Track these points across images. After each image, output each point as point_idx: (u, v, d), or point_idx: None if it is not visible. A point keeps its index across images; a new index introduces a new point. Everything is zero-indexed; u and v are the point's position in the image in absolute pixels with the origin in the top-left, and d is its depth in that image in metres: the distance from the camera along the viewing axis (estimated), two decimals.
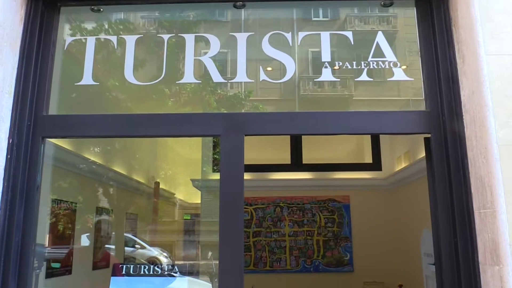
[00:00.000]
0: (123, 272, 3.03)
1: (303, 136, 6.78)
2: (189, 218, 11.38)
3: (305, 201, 6.79)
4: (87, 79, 2.37)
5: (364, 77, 2.22)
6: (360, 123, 2.12)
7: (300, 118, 2.13)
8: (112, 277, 2.98)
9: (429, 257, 3.85)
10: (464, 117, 2.01)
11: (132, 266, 3.08)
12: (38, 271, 3.70)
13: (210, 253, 6.70)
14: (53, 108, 2.37)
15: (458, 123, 2.03)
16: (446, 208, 2.03)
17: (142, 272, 3.06)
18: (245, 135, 2.08)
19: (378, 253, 6.49)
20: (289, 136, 6.82)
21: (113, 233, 6.19)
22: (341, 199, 6.78)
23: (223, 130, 2.10)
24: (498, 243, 1.76)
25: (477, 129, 1.91)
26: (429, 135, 2.14)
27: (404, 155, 6.12)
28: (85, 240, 5.25)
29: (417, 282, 4.58)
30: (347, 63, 2.22)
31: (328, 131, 2.13)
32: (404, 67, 2.27)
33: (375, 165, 6.72)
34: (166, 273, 3.15)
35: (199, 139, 7.04)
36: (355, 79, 2.21)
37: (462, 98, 2.03)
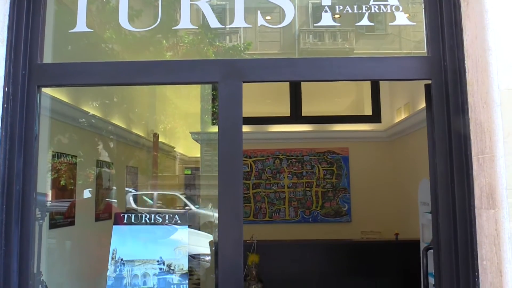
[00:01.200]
0: (125, 221, 3.08)
1: (302, 88, 6.75)
2: (189, 173, 11.50)
3: (304, 153, 6.83)
4: (80, 25, 2.31)
5: (365, 21, 2.16)
6: (361, 69, 2.08)
7: (299, 65, 2.09)
8: (114, 226, 3.03)
9: (425, 206, 3.91)
10: (466, 62, 1.97)
11: (133, 215, 3.12)
12: (41, 221, 3.75)
13: (210, 204, 6.82)
14: (48, 57, 2.32)
15: (460, 68, 2.00)
16: (444, 154, 2.04)
17: (143, 221, 3.11)
18: (243, 82, 2.05)
19: (375, 203, 6.60)
20: (288, 88, 6.79)
21: (115, 187, 6.26)
22: (340, 151, 6.82)
23: (221, 77, 2.07)
24: (495, 187, 1.77)
25: (479, 74, 1.89)
26: (429, 82, 2.11)
27: (404, 107, 6.09)
28: (86, 192, 5.32)
29: (413, 230, 4.68)
30: (347, 7, 2.16)
31: (328, 77, 2.10)
32: (407, 14, 2.21)
33: (375, 117, 6.72)
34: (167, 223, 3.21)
35: (198, 91, 7.00)
36: (356, 24, 2.15)
37: (465, 42, 1.99)
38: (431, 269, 3.47)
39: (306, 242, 5.04)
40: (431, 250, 3.17)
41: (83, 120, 5.31)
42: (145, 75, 2.14)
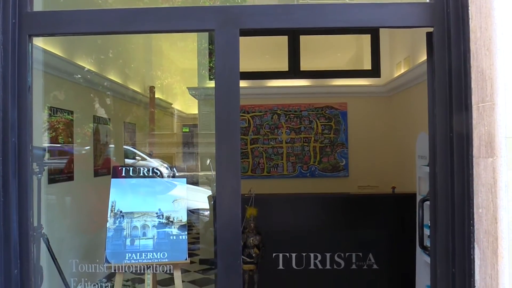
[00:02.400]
0: (123, 174, 3.09)
1: (301, 43, 6.63)
2: (187, 131, 11.49)
3: (303, 108, 6.80)
4: None
5: None
6: (361, 16, 2.02)
7: (297, 11, 2.03)
8: (112, 179, 3.05)
9: (423, 159, 3.92)
10: (469, 8, 1.91)
11: (131, 168, 3.13)
12: (39, 175, 3.77)
13: (208, 160, 6.85)
14: (38, 5, 2.25)
15: (463, 14, 1.94)
16: (444, 104, 2.01)
17: (141, 174, 3.13)
18: (240, 29, 2.00)
19: (373, 158, 6.64)
20: (286, 43, 6.66)
21: (113, 145, 6.26)
22: (338, 106, 6.78)
23: (217, 25, 2.01)
24: (494, 136, 1.76)
25: (482, 19, 1.83)
26: (431, 29, 2.06)
27: (404, 61, 6.01)
28: (84, 148, 5.32)
29: (410, 184, 4.72)
30: None
31: (327, 24, 2.03)
32: None
33: (374, 71, 6.64)
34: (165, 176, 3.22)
35: (194, 46, 6.88)
36: None
37: None
38: (426, 220, 3.52)
39: (304, 196, 5.10)
40: (427, 202, 3.21)
41: (79, 75, 5.24)
42: (139, 23, 2.08)
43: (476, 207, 1.88)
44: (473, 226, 1.90)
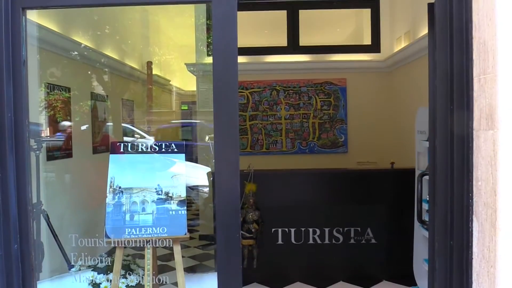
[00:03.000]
0: (121, 150, 3.08)
1: (300, 18, 6.54)
2: (186, 108, 11.41)
3: (302, 84, 6.75)
4: None
5: None
6: None
7: None
8: (110, 155, 3.04)
9: (422, 134, 3.91)
10: None
11: (129, 144, 3.12)
12: (38, 152, 3.76)
13: (207, 137, 6.84)
14: None
15: None
16: (444, 76, 1.99)
17: (140, 150, 3.11)
18: (238, 1, 1.95)
19: (372, 134, 6.63)
20: (285, 18, 6.57)
21: (111, 123, 6.23)
22: (337, 82, 6.74)
23: None
24: (495, 108, 1.74)
25: None
26: (433, 0, 2.02)
27: (405, 35, 5.93)
28: (82, 125, 5.30)
29: (409, 160, 4.73)
30: None
31: None
32: None
33: (374, 46, 6.57)
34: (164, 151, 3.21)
35: (192, 21, 6.78)
36: None
37: None
38: (425, 195, 3.54)
39: (303, 172, 5.10)
40: (426, 177, 3.21)
41: (75, 52, 5.17)
42: None
43: (476, 180, 1.87)
44: (472, 199, 1.89)
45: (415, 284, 4.21)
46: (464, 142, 1.93)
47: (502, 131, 1.73)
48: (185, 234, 2.81)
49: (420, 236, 3.97)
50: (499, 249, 1.75)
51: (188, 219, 7.18)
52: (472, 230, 1.90)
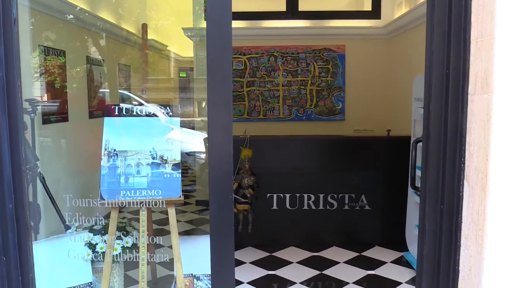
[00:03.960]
0: (116, 113, 3.06)
1: None
2: (185, 75, 11.29)
3: (300, 50, 6.67)
4: None
5: None
6: None
7: None
8: (105, 118, 3.02)
9: (419, 102, 3.90)
10: None
11: (124, 107, 3.10)
12: (32, 115, 3.75)
13: (204, 103, 6.81)
14: None
15: None
16: (442, 39, 1.96)
17: (134, 113, 3.10)
18: None
19: (370, 102, 6.61)
20: None
21: (107, 88, 6.18)
22: (336, 48, 6.66)
23: None
24: (491, 72, 1.72)
25: None
26: None
27: (406, 1, 5.83)
28: (78, 88, 5.25)
29: (406, 127, 4.73)
30: None
31: None
32: None
33: (374, 12, 6.46)
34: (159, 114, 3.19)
35: None
36: None
37: None
38: (419, 162, 3.55)
39: (299, 138, 5.11)
40: (420, 144, 3.22)
41: (71, 15, 5.07)
42: None
43: (468, 145, 1.87)
44: (464, 164, 1.90)
45: (407, 250, 4.29)
46: (459, 107, 1.92)
47: (496, 95, 1.72)
48: (180, 196, 2.82)
49: (413, 203, 4.01)
50: (488, 213, 1.77)
51: (184, 185, 7.26)
52: (462, 195, 1.92)
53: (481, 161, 1.78)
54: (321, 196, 4.64)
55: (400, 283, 3.83)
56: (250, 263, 4.29)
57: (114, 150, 2.89)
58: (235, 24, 6.52)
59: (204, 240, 2.22)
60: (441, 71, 1.97)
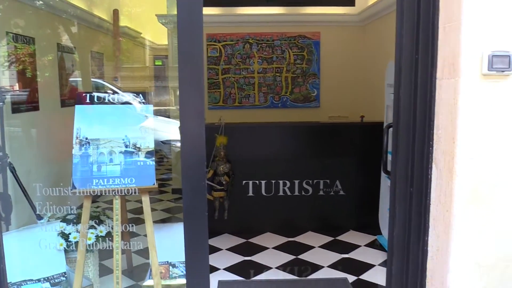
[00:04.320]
0: (87, 101, 3.01)
1: None
2: (160, 64, 11.13)
3: (275, 37, 6.65)
4: None
5: None
6: None
7: None
8: (76, 106, 2.96)
9: (391, 88, 3.94)
10: None
11: (96, 94, 3.04)
12: (1, 103, 3.64)
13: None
14: None
15: None
16: (411, 25, 1.99)
17: (106, 100, 3.05)
18: None
19: (344, 89, 6.66)
20: None
21: (80, 76, 6.05)
22: (311, 35, 6.66)
23: None
24: (457, 56, 1.76)
25: None
26: None
27: None
28: (49, 77, 5.13)
29: (379, 114, 4.79)
30: None
31: None
32: None
33: None
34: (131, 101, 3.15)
35: None
36: None
37: None
38: (391, 147, 3.61)
39: (274, 125, 5.12)
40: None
41: (40, 1, 4.92)
42: None
43: (436, 128, 1.92)
44: (432, 147, 1.94)
45: (380, 233, 4.38)
46: (427, 91, 1.95)
47: (463, 79, 1.76)
48: (154, 184, 2.80)
49: (386, 187, 4.08)
50: (455, 194, 1.81)
51: (160, 174, 7.18)
52: (431, 177, 1.96)
53: (448, 144, 1.82)
54: (296, 182, 4.67)
55: (373, 266, 3.91)
56: (226, 249, 4.31)
57: (86, 139, 2.85)
58: (210, 10, 6.47)
59: (179, 227, 2.21)
60: (410, 57, 2.00)
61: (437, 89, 1.91)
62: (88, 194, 2.70)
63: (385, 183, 4.16)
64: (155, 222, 2.76)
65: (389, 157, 3.64)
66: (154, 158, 2.88)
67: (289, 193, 4.69)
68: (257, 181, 4.66)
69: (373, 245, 4.38)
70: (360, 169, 4.71)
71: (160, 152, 6.84)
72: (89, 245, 2.92)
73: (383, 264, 3.89)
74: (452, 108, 1.79)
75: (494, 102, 1.77)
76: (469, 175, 1.80)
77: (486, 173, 1.81)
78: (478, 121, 1.77)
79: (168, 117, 6.77)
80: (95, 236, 2.97)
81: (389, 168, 3.60)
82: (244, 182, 4.67)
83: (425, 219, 2.01)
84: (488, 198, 1.83)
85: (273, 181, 4.67)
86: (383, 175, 4.20)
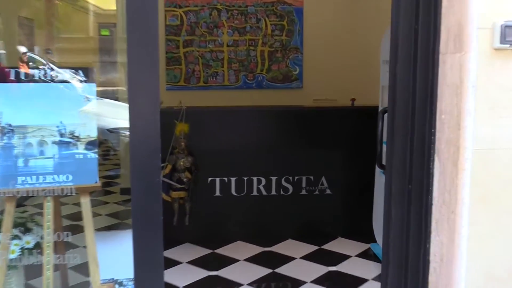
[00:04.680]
0: (12, 78, 2.94)
1: None
2: (107, 34, 10.94)
3: (249, 3, 6.61)
4: None
5: None
6: None
7: None
8: None
9: (387, 65, 3.98)
10: None
11: (23, 70, 2.97)
12: None
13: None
14: None
15: None
16: None
17: (37, 78, 2.98)
18: None
19: (332, 66, 6.68)
20: None
21: (3, 50, 5.90)
22: (293, 1, 6.65)
23: None
24: (464, 26, 1.78)
25: None
26: None
27: None
28: None
29: (373, 95, 4.83)
30: None
31: None
32: None
33: None
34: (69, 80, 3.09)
35: None
36: None
37: None
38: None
39: (247, 109, 5.10)
40: None
41: None
42: None
43: (439, 113, 1.94)
44: (435, 136, 1.97)
45: (375, 241, 4.43)
46: (429, 68, 1.97)
47: (471, 54, 1.78)
48: (96, 182, 2.76)
49: (381, 185, 4.13)
50: (460, 193, 1.84)
51: (106, 170, 7.11)
52: (433, 172, 1.99)
53: (453, 132, 1.85)
54: (274, 179, 4.69)
55: (366, 280, 3.96)
56: (187, 262, 4.30)
57: (9, 126, 2.78)
58: None
59: (129, 236, 2.19)
60: (409, 27, 2.01)
61: (440, 66, 1.93)
62: (12, 195, 2.64)
63: (380, 180, 4.21)
64: (97, 230, 2.72)
65: (384, 147, 3.70)
66: (97, 150, 2.83)
67: (264, 193, 4.71)
68: (225, 178, 4.66)
69: (366, 255, 4.45)
70: (351, 163, 4.76)
71: (105, 143, 6.75)
72: (11, 259, 2.86)
73: (378, 278, 3.95)
74: (458, 88, 1.82)
75: (507, 82, 1.80)
76: (479, 168, 1.83)
77: (498, 166, 1.84)
78: (489, 104, 1.80)
79: (117, 99, 6.69)
80: (20, 249, 2.91)
81: (384, 161, 3.65)
82: (209, 179, 4.66)
83: (427, 222, 2.04)
84: (502, 196, 1.87)
85: (245, 178, 4.68)
86: (377, 170, 4.25)
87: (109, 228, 5.07)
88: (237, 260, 4.36)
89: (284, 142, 4.73)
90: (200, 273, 4.10)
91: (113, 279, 3.13)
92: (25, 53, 6.50)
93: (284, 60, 6.74)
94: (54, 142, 2.80)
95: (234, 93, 6.66)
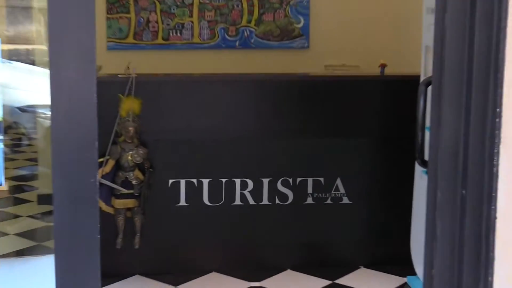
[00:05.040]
0: None
1: None
2: None
3: None
4: None
5: None
6: None
7: None
8: None
9: (433, 15, 4.01)
10: None
11: None
12: None
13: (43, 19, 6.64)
14: None
15: None
16: None
17: None
18: None
19: (351, 18, 6.68)
20: None
21: None
22: None
23: None
24: None
25: None
26: None
27: None
28: None
29: (409, 60, 4.86)
30: None
31: None
32: None
33: None
34: None
35: None
36: None
37: None
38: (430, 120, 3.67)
39: (227, 79, 5.10)
40: None
41: None
42: None
43: (508, 87, 1.95)
44: (500, 118, 1.98)
45: (414, 273, 4.46)
46: (493, 23, 1.98)
47: None
48: (1, 185, 2.79)
49: (423, 190, 4.16)
50: None
51: (16, 167, 7.15)
52: (497, 170, 2.00)
53: None
54: (266, 181, 4.70)
55: None
56: None
57: None
58: None
59: (49, 265, 2.20)
60: None
61: (508, 19, 1.94)
62: None
63: (421, 183, 4.24)
64: (4, 254, 2.74)
65: (427, 134, 3.72)
66: (2, 138, 2.86)
67: (252, 202, 4.72)
68: (194, 180, 4.67)
69: None
70: (378, 158, 4.77)
71: (16, 127, 6.73)
72: None
73: None
74: None
75: None
76: None
77: None
78: None
79: (33, 63, 6.68)
80: None
81: (427, 156, 3.67)
82: (171, 181, 4.67)
83: (488, 244, 2.05)
84: None
85: (224, 180, 4.69)
86: (418, 168, 4.27)
87: (20, 253, 5.05)
88: None
89: (282, 127, 4.73)
90: None
91: None
92: None
93: (282, 7, 6.75)
94: None
95: (208, 55, 6.67)
